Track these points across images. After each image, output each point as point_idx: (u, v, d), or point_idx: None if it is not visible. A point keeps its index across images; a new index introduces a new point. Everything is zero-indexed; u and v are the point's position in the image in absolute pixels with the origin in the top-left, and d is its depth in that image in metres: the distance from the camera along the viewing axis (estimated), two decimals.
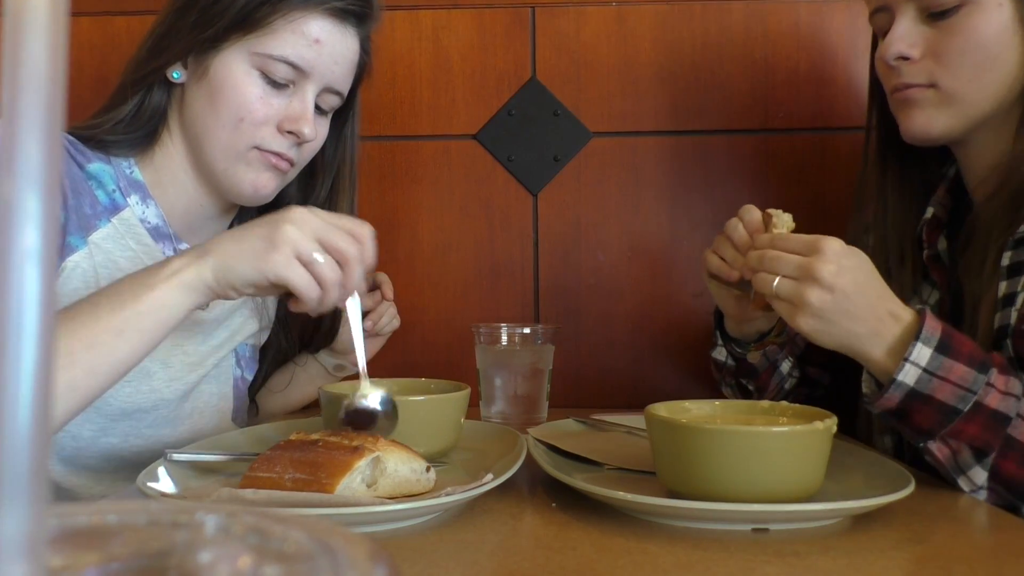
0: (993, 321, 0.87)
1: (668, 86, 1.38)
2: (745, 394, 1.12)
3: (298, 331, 1.20)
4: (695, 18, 1.38)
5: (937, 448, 0.78)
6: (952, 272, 0.99)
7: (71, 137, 0.97)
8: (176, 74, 0.98)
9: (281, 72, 0.95)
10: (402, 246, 1.41)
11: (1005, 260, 0.88)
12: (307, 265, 0.77)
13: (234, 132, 0.96)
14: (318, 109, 1.01)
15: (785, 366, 1.10)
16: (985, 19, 0.88)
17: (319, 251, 0.77)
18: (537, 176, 1.40)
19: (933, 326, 0.77)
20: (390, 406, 0.84)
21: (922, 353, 0.76)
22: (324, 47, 0.97)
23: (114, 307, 0.76)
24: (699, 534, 0.64)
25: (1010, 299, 0.87)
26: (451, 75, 1.40)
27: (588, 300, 1.40)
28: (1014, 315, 0.85)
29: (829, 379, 1.16)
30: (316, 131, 0.99)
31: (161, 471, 0.75)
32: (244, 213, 1.14)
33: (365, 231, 0.81)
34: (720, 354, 1.11)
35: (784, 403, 0.78)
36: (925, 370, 0.76)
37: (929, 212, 1.03)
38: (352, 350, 1.19)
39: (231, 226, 1.12)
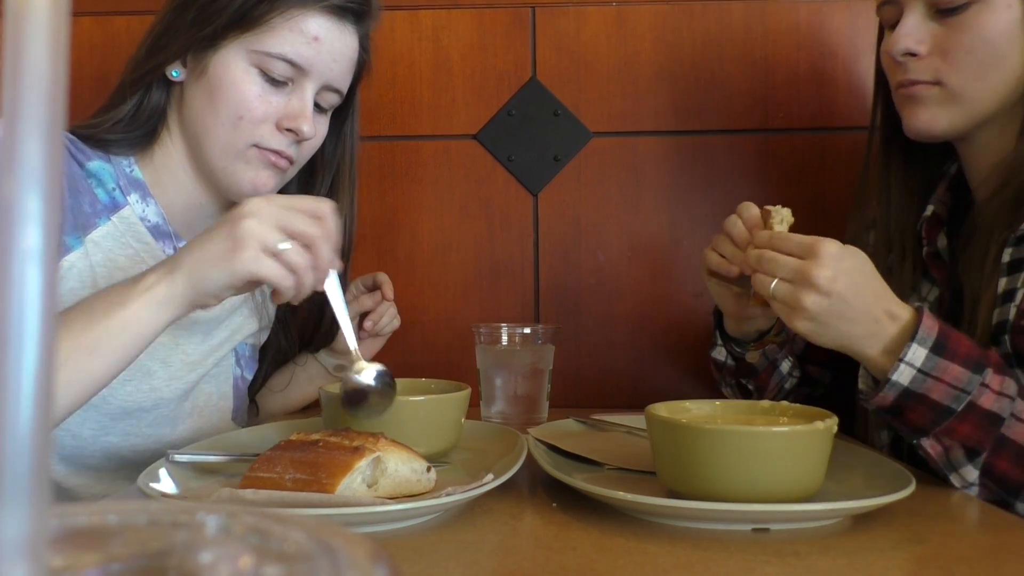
0: (992, 317, 0.88)
1: (668, 86, 1.38)
2: (745, 394, 1.12)
3: (298, 330, 1.20)
4: (695, 18, 1.38)
5: (930, 445, 0.79)
6: (952, 269, 0.99)
7: (71, 136, 0.97)
8: (175, 73, 0.98)
9: (280, 70, 0.96)
10: (402, 246, 1.41)
11: (1006, 257, 0.88)
12: (275, 256, 0.76)
13: (233, 130, 0.96)
14: (317, 107, 1.01)
15: (785, 365, 1.10)
16: (994, 18, 0.88)
17: (283, 239, 0.77)
18: (537, 176, 1.40)
19: (930, 326, 0.77)
20: (387, 379, 0.85)
21: (917, 353, 0.76)
22: (323, 45, 0.97)
23: (86, 324, 0.75)
24: (699, 534, 0.64)
25: (1010, 295, 0.87)
26: (451, 75, 1.40)
27: (588, 300, 1.40)
28: (1013, 311, 0.86)
29: (830, 377, 1.16)
30: (315, 129, 0.99)
31: (162, 471, 0.75)
32: None
33: (325, 207, 0.80)
34: (720, 354, 1.11)
35: (784, 403, 0.78)
36: (920, 370, 0.77)
37: (929, 210, 1.03)
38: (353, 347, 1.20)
39: None
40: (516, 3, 1.39)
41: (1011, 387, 0.77)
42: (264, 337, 1.17)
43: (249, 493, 0.67)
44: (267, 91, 0.96)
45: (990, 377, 0.76)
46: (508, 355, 1.12)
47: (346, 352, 1.20)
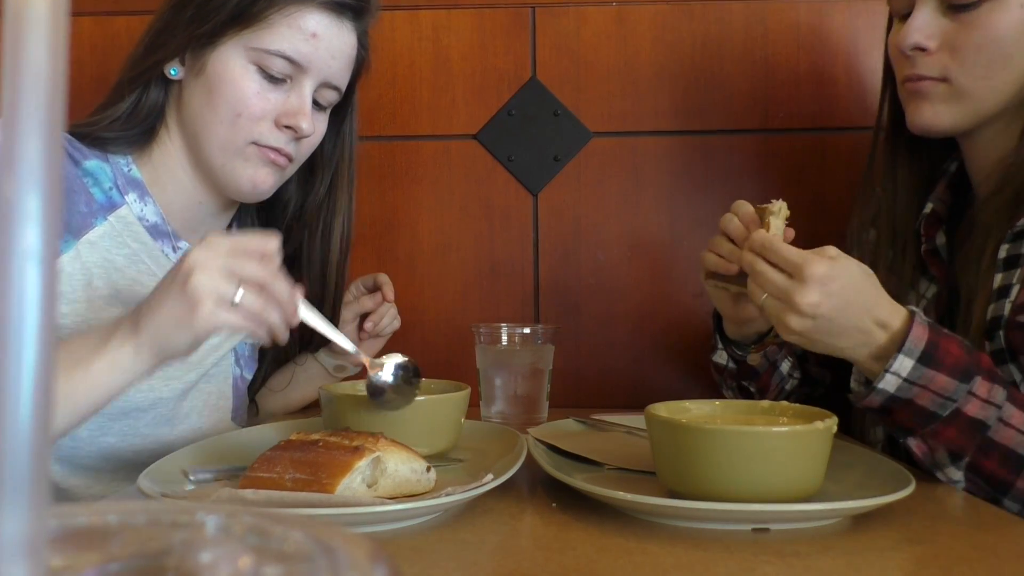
0: (987, 313, 0.88)
1: (668, 86, 1.38)
2: (747, 396, 1.12)
3: (298, 330, 1.20)
4: (695, 18, 1.38)
5: (916, 445, 0.80)
6: (950, 267, 0.99)
7: (67, 135, 0.97)
8: (173, 71, 0.98)
9: (278, 67, 0.95)
10: (402, 246, 1.41)
11: (1002, 253, 0.89)
12: (233, 306, 0.74)
13: (232, 128, 0.96)
14: (316, 105, 1.01)
15: (785, 366, 1.10)
16: (1007, 17, 0.88)
17: (235, 288, 0.74)
18: (537, 176, 1.40)
19: (919, 335, 0.77)
20: (406, 375, 0.86)
21: (904, 364, 0.77)
22: (321, 41, 0.97)
23: None
24: (699, 534, 0.64)
25: (1005, 291, 0.87)
26: (451, 75, 1.40)
27: (588, 300, 1.40)
28: (1008, 307, 0.86)
29: (831, 377, 1.16)
30: (314, 126, 0.99)
31: (162, 471, 0.75)
32: (243, 210, 1.14)
33: (270, 245, 0.77)
34: (720, 357, 1.11)
35: (784, 403, 0.78)
36: (906, 380, 0.77)
37: (928, 207, 1.03)
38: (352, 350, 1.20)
39: (230, 225, 1.12)
40: (516, 3, 1.39)
41: (999, 395, 0.78)
42: None
43: (249, 493, 0.67)
44: (266, 88, 0.96)
45: (978, 385, 0.77)
46: (508, 355, 1.12)
47: (345, 352, 1.20)
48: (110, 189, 0.98)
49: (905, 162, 1.04)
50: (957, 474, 0.79)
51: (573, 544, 0.63)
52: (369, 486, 0.70)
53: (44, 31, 0.21)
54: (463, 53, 1.40)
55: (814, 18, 1.37)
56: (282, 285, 0.77)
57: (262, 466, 0.71)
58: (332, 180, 1.12)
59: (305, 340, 1.21)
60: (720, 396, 1.18)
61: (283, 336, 0.78)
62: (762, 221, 0.88)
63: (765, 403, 0.79)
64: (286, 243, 1.16)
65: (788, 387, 1.11)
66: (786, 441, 0.67)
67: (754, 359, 1.07)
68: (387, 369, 0.86)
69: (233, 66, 0.95)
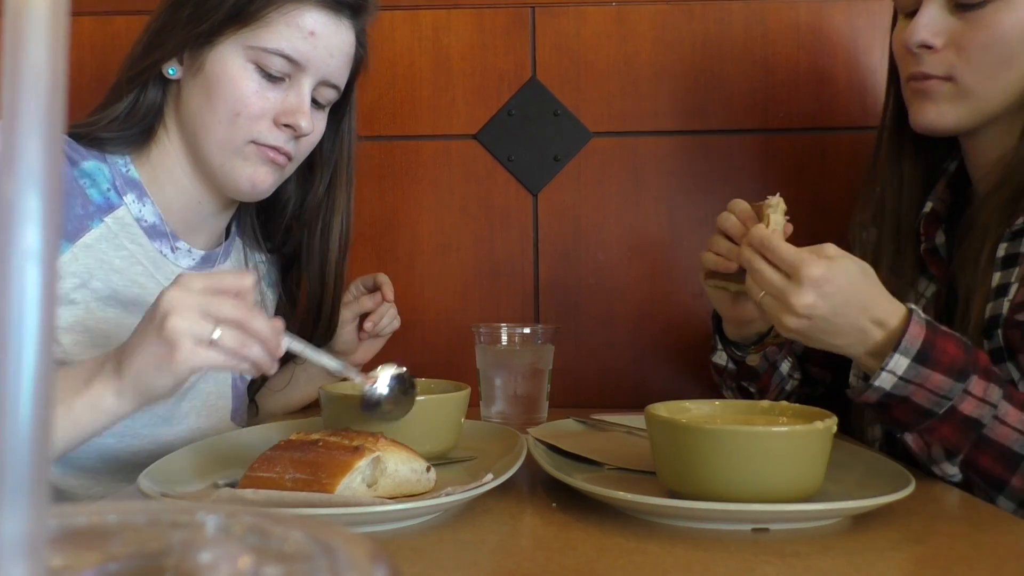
0: (985, 312, 0.88)
1: (668, 86, 1.38)
2: (747, 396, 1.12)
3: (297, 330, 1.20)
4: (695, 18, 1.38)
5: (912, 440, 0.81)
6: (949, 266, 1.00)
7: (64, 135, 0.97)
8: (172, 70, 0.98)
9: (276, 65, 0.95)
10: (402, 246, 1.41)
11: (1000, 252, 0.89)
12: (212, 344, 0.73)
13: (230, 127, 0.96)
14: (315, 103, 1.01)
15: (785, 366, 1.10)
16: (1013, 16, 0.88)
17: (212, 327, 0.73)
18: (537, 176, 1.40)
19: (915, 334, 0.78)
20: (401, 387, 0.86)
21: (899, 363, 0.78)
22: (319, 39, 0.97)
23: None
24: (699, 534, 0.64)
25: (1003, 290, 0.87)
26: (451, 75, 1.40)
27: (588, 300, 1.40)
28: (1006, 305, 0.86)
29: (831, 377, 1.16)
30: (313, 125, 0.99)
31: (161, 471, 0.75)
32: (243, 210, 1.14)
33: (245, 281, 0.76)
34: (720, 358, 1.11)
35: (784, 403, 0.78)
36: (901, 378, 0.78)
37: (928, 206, 1.03)
38: (352, 351, 1.20)
39: (229, 225, 1.12)
40: (516, 3, 1.39)
41: (995, 393, 0.78)
42: None
43: (249, 493, 0.67)
44: (264, 87, 0.96)
45: (974, 384, 0.78)
46: (508, 355, 1.12)
47: (345, 352, 1.20)
48: (108, 190, 0.97)
49: (909, 160, 1.04)
50: (952, 469, 0.80)
51: (573, 544, 0.63)
52: (369, 486, 0.70)
53: (44, 31, 0.21)
54: (463, 53, 1.40)
55: (814, 18, 1.37)
56: (260, 321, 0.75)
57: (262, 466, 0.71)
58: (331, 179, 1.12)
59: (304, 339, 1.20)
60: (720, 396, 1.18)
61: (270, 368, 0.78)
62: (760, 218, 0.88)
63: (765, 403, 0.79)
64: (285, 242, 1.17)
65: (788, 387, 1.11)
66: (786, 441, 0.67)
67: (753, 360, 1.07)
68: (381, 381, 0.86)
69: (231, 65, 0.95)
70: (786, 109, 1.37)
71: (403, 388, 0.86)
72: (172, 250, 1.02)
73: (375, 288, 1.20)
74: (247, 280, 0.76)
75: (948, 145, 1.03)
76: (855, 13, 1.36)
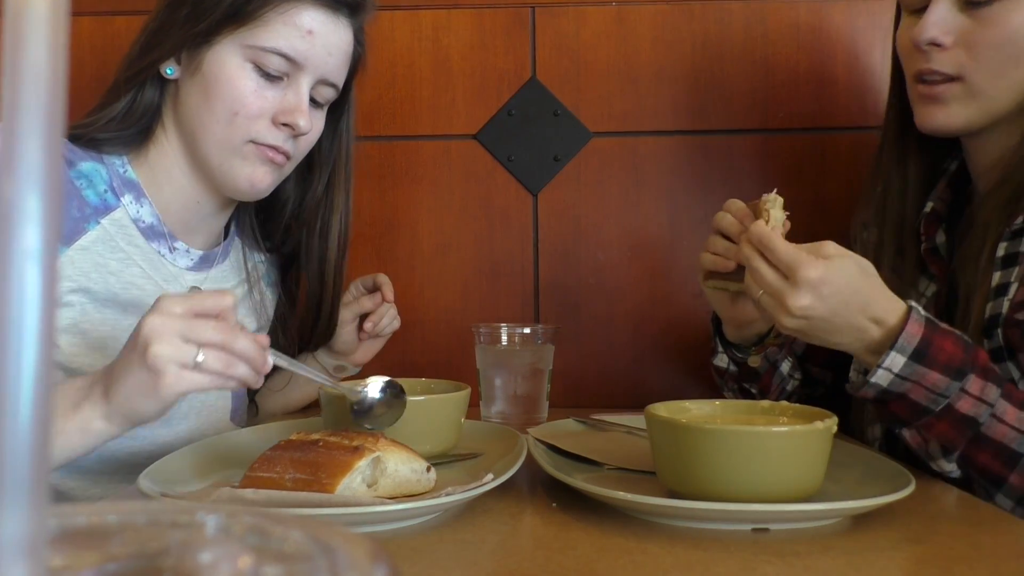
0: (985, 311, 0.88)
1: (668, 86, 1.38)
2: (748, 397, 1.12)
3: (296, 329, 1.20)
4: (695, 18, 1.38)
5: (910, 436, 0.82)
6: (950, 265, 0.99)
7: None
8: (170, 70, 0.98)
9: (274, 64, 0.95)
10: (402, 246, 1.41)
11: (1000, 251, 0.89)
12: (196, 367, 0.73)
13: (229, 126, 0.95)
14: (313, 102, 1.01)
15: (785, 367, 1.10)
16: (1022, 15, 0.88)
17: (195, 350, 0.72)
18: (537, 176, 1.40)
19: (913, 332, 0.78)
20: (391, 394, 0.85)
21: (896, 361, 0.78)
22: (317, 38, 0.97)
23: None
24: (699, 534, 0.64)
25: (1003, 289, 0.88)
26: (451, 75, 1.40)
27: (588, 300, 1.40)
28: (1006, 305, 0.86)
29: (831, 377, 1.16)
30: (311, 123, 0.99)
31: (161, 471, 0.75)
32: (241, 210, 1.13)
33: (225, 301, 0.75)
34: (721, 360, 1.10)
35: (784, 403, 0.78)
36: (898, 375, 0.79)
37: (929, 206, 1.03)
38: (352, 351, 1.20)
39: (228, 225, 1.12)
40: (516, 3, 1.39)
41: (992, 393, 0.79)
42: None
43: (249, 493, 0.67)
44: (262, 86, 0.96)
45: (971, 383, 0.78)
46: (508, 355, 1.12)
47: (344, 352, 1.20)
48: (105, 191, 0.97)
49: (912, 160, 1.04)
50: (949, 466, 0.81)
51: (573, 544, 0.63)
52: (369, 486, 0.70)
53: (44, 31, 0.21)
54: (463, 53, 1.40)
55: (814, 18, 1.37)
56: (244, 341, 0.74)
57: (262, 466, 0.71)
58: (330, 178, 1.12)
59: (304, 340, 1.21)
60: (719, 394, 1.18)
61: (256, 384, 0.77)
62: (758, 215, 0.87)
63: (765, 403, 0.79)
64: (284, 242, 1.17)
65: (789, 388, 1.11)
66: (786, 441, 0.67)
67: (754, 361, 1.07)
68: (371, 388, 0.86)
69: (229, 64, 0.95)
70: (786, 109, 1.37)
71: (393, 393, 0.86)
72: (170, 250, 1.02)
73: (375, 288, 1.20)
74: (228, 300, 0.75)
75: (949, 145, 1.03)
76: (855, 13, 1.36)
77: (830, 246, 0.80)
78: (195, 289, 1.04)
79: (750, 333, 1.05)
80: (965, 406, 0.78)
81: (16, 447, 0.20)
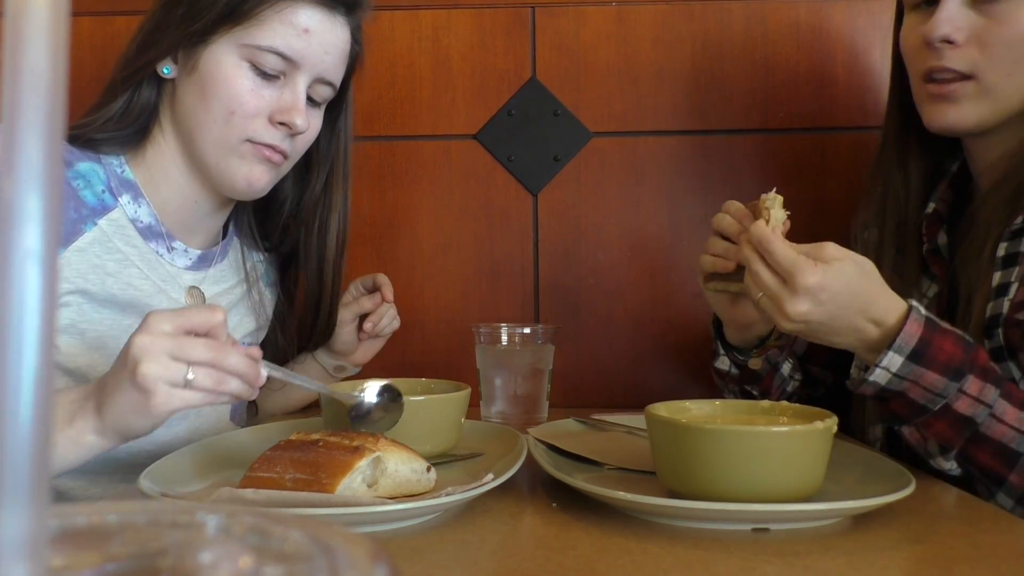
0: (986, 311, 0.88)
1: (668, 86, 1.38)
2: (749, 399, 1.12)
3: (296, 329, 1.20)
4: (695, 18, 1.38)
5: (909, 433, 0.83)
6: (951, 265, 0.99)
7: None
8: (166, 69, 0.98)
9: (271, 63, 0.95)
10: (402, 246, 1.41)
11: (1000, 251, 0.89)
12: (187, 384, 0.72)
13: (225, 125, 0.95)
14: (311, 101, 1.01)
15: (786, 368, 1.10)
16: None
17: (185, 368, 0.72)
18: (537, 176, 1.40)
19: (911, 333, 0.78)
20: (389, 398, 0.85)
21: (893, 360, 0.78)
22: (313, 36, 0.97)
23: None
24: (699, 534, 0.64)
25: (1003, 289, 0.88)
26: (451, 75, 1.40)
27: (588, 300, 1.40)
28: (1006, 305, 0.86)
29: (832, 377, 1.16)
30: (309, 122, 0.99)
31: (161, 471, 0.75)
32: (240, 209, 1.13)
33: (215, 317, 0.74)
34: (723, 363, 1.10)
35: (784, 403, 0.78)
36: (896, 375, 0.79)
37: (930, 207, 1.03)
38: (352, 351, 1.20)
39: (227, 224, 1.12)
40: (516, 3, 1.39)
41: (990, 393, 0.79)
42: (262, 336, 1.17)
43: (249, 493, 0.67)
44: (259, 85, 0.96)
45: (969, 384, 0.78)
46: (508, 355, 1.12)
47: (344, 352, 1.20)
48: (103, 192, 0.97)
49: (914, 161, 1.04)
50: (948, 464, 0.82)
51: (573, 544, 0.63)
52: (369, 486, 0.70)
53: (44, 31, 0.21)
54: (463, 53, 1.40)
55: (814, 18, 1.37)
56: (234, 357, 0.74)
57: (262, 466, 0.71)
58: (328, 177, 1.12)
59: (303, 340, 1.21)
60: (719, 394, 1.18)
61: (251, 396, 0.78)
62: (757, 215, 0.86)
63: (765, 403, 0.79)
64: (283, 241, 1.17)
65: (789, 388, 1.11)
66: (786, 441, 0.67)
67: (755, 363, 1.07)
68: (368, 394, 0.86)
69: (226, 63, 0.95)
70: (786, 109, 1.37)
71: (391, 397, 0.86)
72: (168, 250, 1.02)
73: (375, 288, 1.20)
74: (217, 316, 0.74)
75: (950, 145, 1.03)
76: (855, 13, 1.36)
77: (830, 248, 0.79)
78: (193, 289, 1.04)
79: (751, 335, 1.04)
80: (963, 406, 0.78)
81: (16, 447, 0.20)
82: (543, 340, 1.13)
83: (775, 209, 0.84)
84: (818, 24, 1.36)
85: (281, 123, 0.97)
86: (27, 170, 0.20)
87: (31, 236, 0.20)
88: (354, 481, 0.68)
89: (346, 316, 1.18)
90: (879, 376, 0.79)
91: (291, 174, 1.08)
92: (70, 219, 0.93)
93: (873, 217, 1.06)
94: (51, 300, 0.20)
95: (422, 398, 0.88)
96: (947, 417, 0.79)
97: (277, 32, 0.95)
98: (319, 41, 0.97)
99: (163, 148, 1.00)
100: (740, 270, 0.88)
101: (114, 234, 0.97)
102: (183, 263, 1.04)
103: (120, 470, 0.94)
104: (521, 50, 1.39)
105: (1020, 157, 0.91)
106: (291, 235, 1.15)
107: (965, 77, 0.91)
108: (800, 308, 0.77)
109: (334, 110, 1.09)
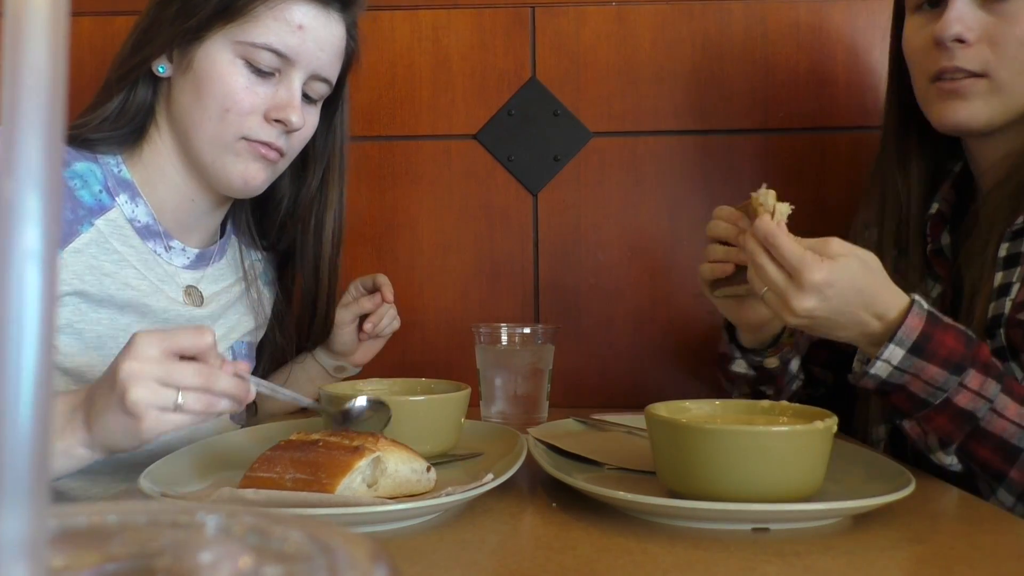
0: (988, 311, 0.88)
1: (668, 86, 1.38)
2: (762, 399, 1.11)
3: (295, 328, 1.20)
4: (695, 18, 1.38)
5: (910, 427, 0.83)
6: (955, 266, 0.99)
7: None
8: (161, 68, 0.98)
9: (266, 60, 0.95)
10: (402, 246, 1.41)
11: (1002, 251, 0.89)
12: (177, 407, 0.72)
13: (221, 123, 0.95)
14: (306, 97, 1.01)
15: (794, 365, 1.10)
16: None
17: (174, 394, 0.71)
18: (537, 176, 1.40)
19: (913, 326, 0.78)
20: (370, 406, 0.85)
21: (894, 353, 0.79)
22: (308, 33, 0.97)
23: None
24: (699, 534, 0.64)
25: (1005, 289, 0.88)
26: (451, 75, 1.40)
27: (588, 300, 1.40)
28: (1008, 305, 0.86)
29: (832, 378, 1.16)
30: (304, 119, 0.99)
31: (161, 471, 0.75)
32: (237, 207, 1.13)
33: (204, 341, 0.73)
34: (740, 367, 1.09)
35: (784, 403, 0.78)
36: (896, 368, 0.79)
37: (934, 207, 1.03)
38: (352, 352, 1.20)
39: (224, 224, 1.12)
40: (516, 3, 1.39)
41: (991, 388, 0.79)
42: (260, 335, 1.17)
43: (249, 493, 0.67)
44: (254, 82, 0.96)
45: (970, 378, 0.78)
46: (508, 355, 1.12)
47: (344, 352, 1.20)
48: (100, 191, 0.97)
49: (914, 162, 1.04)
50: (948, 459, 0.82)
51: (573, 544, 0.63)
52: (369, 486, 0.70)
53: (44, 31, 0.21)
54: (463, 53, 1.40)
55: (814, 18, 1.37)
56: (224, 380, 0.73)
57: (262, 466, 0.71)
58: (324, 174, 1.12)
59: (301, 338, 1.21)
60: (719, 394, 1.18)
61: (238, 410, 0.78)
62: (751, 213, 0.85)
63: (765, 403, 0.79)
64: (280, 239, 1.17)
65: (793, 387, 1.11)
66: (786, 441, 0.67)
67: (771, 362, 1.07)
68: (356, 405, 0.86)
69: (220, 61, 0.95)
70: (786, 109, 1.37)
71: (372, 407, 0.85)
72: (166, 249, 1.02)
73: (374, 289, 1.20)
74: (206, 339, 0.73)
75: (951, 146, 1.03)
76: (855, 13, 1.36)
77: (835, 244, 0.79)
78: (191, 288, 1.04)
79: (765, 335, 1.04)
80: (963, 400, 0.78)
81: (16, 447, 0.20)
82: (543, 340, 1.13)
83: (778, 203, 0.83)
84: (818, 24, 1.36)
85: (277, 120, 0.96)
86: (27, 170, 0.20)
87: (31, 236, 0.20)
88: (354, 481, 0.68)
89: (346, 317, 1.18)
90: (880, 369, 0.79)
91: (288, 172, 1.08)
92: (67, 220, 0.93)
93: (873, 217, 1.06)
94: (51, 300, 0.20)
95: (422, 398, 0.88)
96: (948, 411, 0.79)
97: (271, 29, 0.95)
98: (313, 37, 0.97)
99: (159, 147, 1.00)
100: (742, 271, 0.87)
101: (111, 234, 0.96)
102: (181, 262, 1.04)
103: (120, 470, 0.94)
104: (521, 50, 1.39)
105: (1021, 157, 0.91)
106: (288, 233, 1.15)
107: (977, 76, 0.91)
108: (807, 304, 0.78)
109: (330, 107, 1.09)
